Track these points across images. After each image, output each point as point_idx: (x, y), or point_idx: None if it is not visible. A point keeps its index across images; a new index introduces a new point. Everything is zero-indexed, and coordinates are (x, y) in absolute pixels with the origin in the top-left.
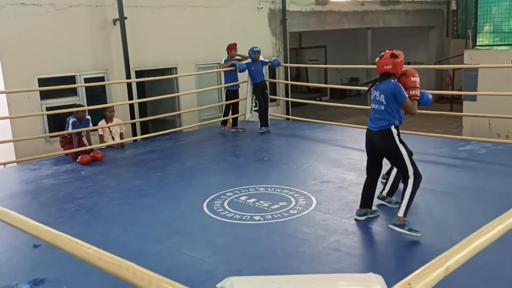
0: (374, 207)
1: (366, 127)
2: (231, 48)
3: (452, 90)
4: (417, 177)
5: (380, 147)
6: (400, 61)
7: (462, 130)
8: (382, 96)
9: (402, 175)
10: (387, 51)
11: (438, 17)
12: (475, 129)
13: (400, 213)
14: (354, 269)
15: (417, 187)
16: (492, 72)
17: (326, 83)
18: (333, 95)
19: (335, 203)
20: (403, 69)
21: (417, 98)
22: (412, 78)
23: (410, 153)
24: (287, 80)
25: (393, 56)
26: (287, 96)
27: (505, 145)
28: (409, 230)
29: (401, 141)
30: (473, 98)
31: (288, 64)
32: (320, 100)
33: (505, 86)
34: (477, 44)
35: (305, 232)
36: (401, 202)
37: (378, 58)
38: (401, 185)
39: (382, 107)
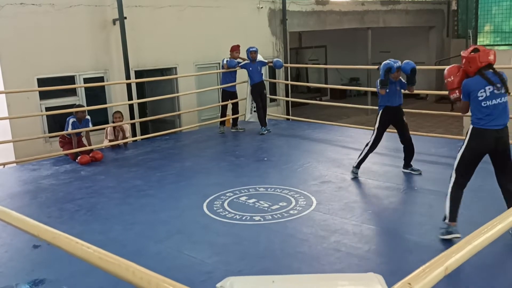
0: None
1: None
2: (234, 49)
3: None
4: None
5: (505, 145)
6: None
7: (462, 130)
8: (503, 87)
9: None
10: (471, 46)
11: (438, 17)
12: None
13: None
14: (354, 269)
15: None
16: None
17: (326, 83)
18: (333, 95)
19: (335, 203)
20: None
21: None
22: None
23: None
24: (287, 80)
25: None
26: (287, 96)
27: None
28: None
29: None
30: None
31: (288, 64)
32: (320, 100)
33: None
34: (478, 44)
35: (305, 233)
36: None
37: (472, 53)
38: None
39: (506, 99)
